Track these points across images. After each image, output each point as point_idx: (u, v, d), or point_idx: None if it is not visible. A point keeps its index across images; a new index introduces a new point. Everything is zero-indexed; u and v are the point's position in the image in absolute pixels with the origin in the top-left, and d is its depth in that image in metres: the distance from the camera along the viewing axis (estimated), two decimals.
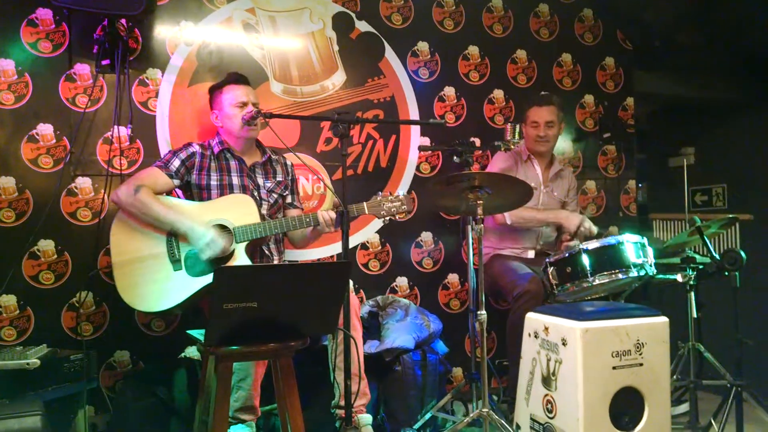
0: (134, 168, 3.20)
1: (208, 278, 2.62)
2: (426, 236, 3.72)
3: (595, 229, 3.33)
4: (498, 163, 3.55)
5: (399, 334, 3.08)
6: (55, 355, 2.60)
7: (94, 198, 3.16)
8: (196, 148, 2.89)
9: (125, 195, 2.69)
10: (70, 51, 3.14)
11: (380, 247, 3.64)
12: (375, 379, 3.00)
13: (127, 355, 3.20)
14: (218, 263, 2.63)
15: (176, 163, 2.83)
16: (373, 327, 3.26)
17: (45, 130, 3.10)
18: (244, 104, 2.89)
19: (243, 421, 2.64)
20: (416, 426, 2.94)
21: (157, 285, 2.64)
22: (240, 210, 2.75)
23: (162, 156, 2.94)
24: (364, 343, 3.03)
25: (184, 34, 3.32)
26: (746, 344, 2.77)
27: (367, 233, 3.61)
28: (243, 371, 2.63)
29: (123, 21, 3.10)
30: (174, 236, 2.70)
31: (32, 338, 3.02)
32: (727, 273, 2.76)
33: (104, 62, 3.11)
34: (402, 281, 3.68)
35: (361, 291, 3.57)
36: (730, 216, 3.09)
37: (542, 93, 3.59)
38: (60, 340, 2.96)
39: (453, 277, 3.77)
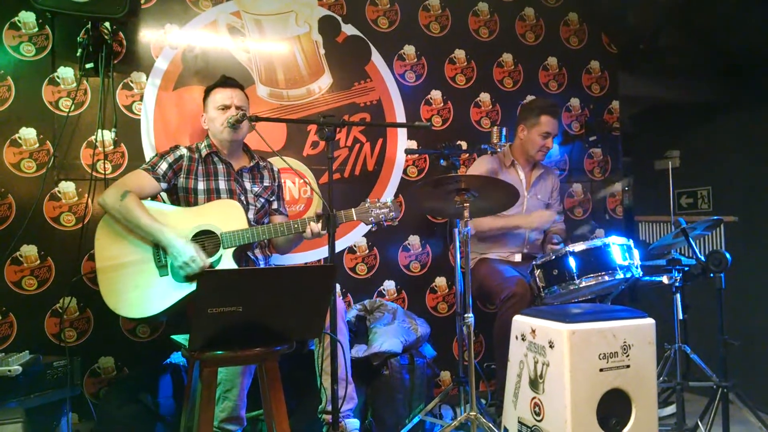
0: (118, 172, 3.17)
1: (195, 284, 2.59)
2: (413, 240, 3.72)
3: (559, 219, 3.34)
4: (481, 166, 3.55)
5: (386, 338, 3.07)
6: (38, 362, 2.56)
7: (78, 203, 3.12)
8: (183, 151, 2.87)
9: (111, 200, 2.66)
10: (53, 54, 3.12)
11: (367, 251, 3.63)
12: (363, 383, 2.99)
13: (111, 361, 3.16)
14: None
15: (164, 166, 2.80)
16: (360, 331, 3.25)
17: (28, 134, 3.07)
18: (227, 107, 2.87)
19: (229, 431, 2.61)
20: (404, 430, 2.92)
21: (143, 291, 2.62)
22: (228, 215, 2.73)
23: (148, 159, 2.91)
24: (352, 347, 3.02)
25: (169, 37, 3.31)
26: (732, 345, 2.78)
27: (354, 237, 3.60)
28: (229, 382, 2.60)
29: (107, 24, 3.07)
30: None
31: (14, 345, 2.98)
32: (712, 274, 2.77)
33: (88, 65, 3.09)
34: (389, 285, 3.66)
35: (349, 295, 3.56)
36: (715, 218, 3.10)
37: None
38: (43, 346, 2.94)
39: (440, 281, 3.77)
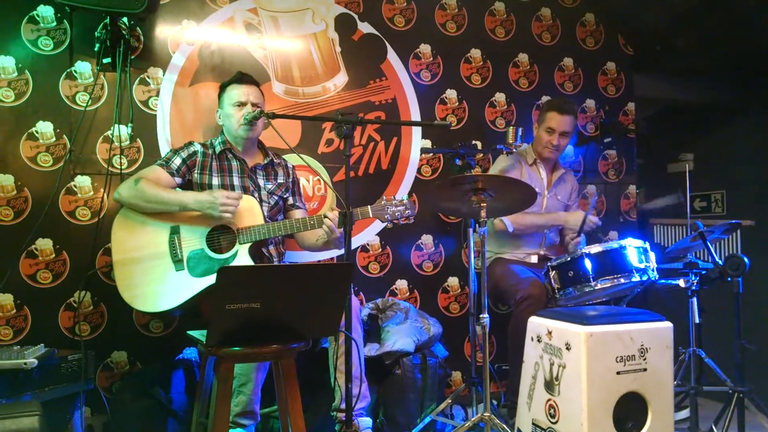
0: (134, 167, 3.18)
1: (211, 279, 2.59)
2: (426, 239, 3.71)
3: (598, 221, 3.33)
4: (500, 164, 3.54)
5: (399, 337, 3.06)
6: (53, 356, 2.56)
7: (94, 197, 3.13)
8: (197, 147, 2.87)
9: (126, 189, 2.67)
10: (71, 49, 3.13)
11: (380, 250, 3.63)
12: (374, 382, 2.99)
13: (124, 355, 3.17)
14: (222, 263, 2.61)
15: (177, 161, 2.80)
16: (372, 330, 3.24)
17: (45, 128, 3.08)
18: (242, 104, 2.86)
19: (242, 426, 2.62)
20: (415, 430, 2.92)
21: (159, 285, 2.62)
22: (244, 211, 2.73)
23: (163, 155, 2.92)
24: (364, 345, 3.02)
25: (186, 33, 3.31)
26: (748, 350, 2.76)
27: (367, 236, 3.59)
28: (244, 376, 2.61)
29: (125, 19, 3.08)
30: (177, 235, 2.68)
31: (28, 338, 2.99)
32: (730, 279, 2.75)
33: (105, 60, 3.10)
34: (402, 284, 3.66)
35: (361, 293, 3.55)
36: (733, 221, 3.08)
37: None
38: (57, 340, 2.94)
39: (453, 281, 3.76)
